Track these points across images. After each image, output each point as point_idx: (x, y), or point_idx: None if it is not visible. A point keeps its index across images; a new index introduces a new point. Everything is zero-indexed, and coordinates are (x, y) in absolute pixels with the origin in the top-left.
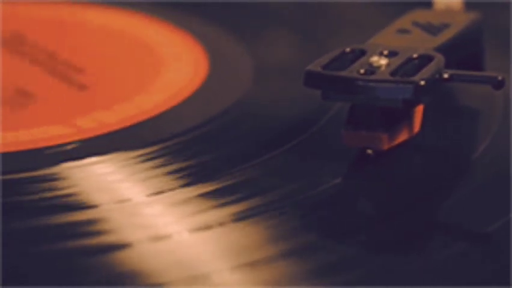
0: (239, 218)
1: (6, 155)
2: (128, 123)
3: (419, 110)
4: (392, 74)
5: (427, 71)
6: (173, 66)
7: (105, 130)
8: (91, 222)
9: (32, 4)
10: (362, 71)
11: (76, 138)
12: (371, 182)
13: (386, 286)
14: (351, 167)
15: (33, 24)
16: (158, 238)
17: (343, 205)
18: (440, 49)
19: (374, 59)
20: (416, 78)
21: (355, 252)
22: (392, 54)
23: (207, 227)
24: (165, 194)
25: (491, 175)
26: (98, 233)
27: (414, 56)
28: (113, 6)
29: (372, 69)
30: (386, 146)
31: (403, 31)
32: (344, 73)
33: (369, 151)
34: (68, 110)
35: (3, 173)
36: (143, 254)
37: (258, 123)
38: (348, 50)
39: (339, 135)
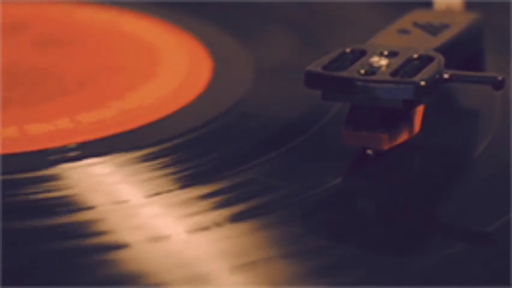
0: (237, 218)
1: (6, 156)
2: (127, 125)
3: (419, 110)
4: (393, 74)
5: (427, 71)
6: (173, 67)
7: (102, 132)
8: (89, 223)
9: (30, 3)
10: (362, 71)
11: (71, 138)
12: (371, 182)
13: (386, 286)
14: (351, 167)
15: (31, 21)
16: (156, 239)
17: (343, 205)
18: (440, 49)
19: (374, 59)
20: (416, 78)
21: (355, 252)
22: (392, 55)
23: (205, 228)
24: (163, 195)
25: (491, 175)
26: (97, 233)
27: (415, 56)
28: (113, 6)
29: (372, 70)
30: (386, 146)
31: (403, 31)
32: (344, 73)
33: (369, 151)
34: (63, 109)
35: (2, 174)
36: (142, 255)
37: (258, 123)
38: (348, 50)
39: (339, 135)
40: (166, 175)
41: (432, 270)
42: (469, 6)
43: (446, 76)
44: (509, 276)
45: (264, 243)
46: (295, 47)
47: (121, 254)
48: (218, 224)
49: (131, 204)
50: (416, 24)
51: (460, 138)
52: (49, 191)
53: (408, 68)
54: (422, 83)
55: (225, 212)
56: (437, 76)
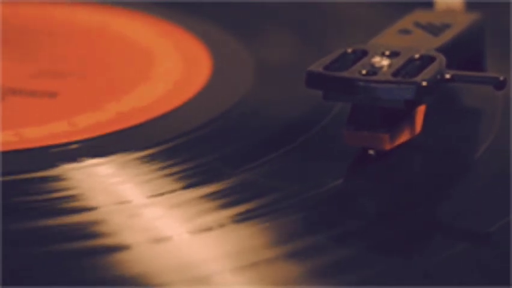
0: (240, 219)
1: (7, 155)
2: (128, 124)
3: (421, 110)
4: (394, 74)
5: (429, 71)
6: (173, 67)
7: (103, 131)
8: (91, 223)
9: (26, 4)
10: (363, 71)
11: (72, 138)
12: (372, 182)
13: (387, 286)
14: (352, 167)
15: (26, 23)
16: (158, 240)
17: (344, 205)
18: (441, 49)
19: (376, 59)
20: (418, 78)
21: (355, 252)
22: (393, 55)
23: (208, 229)
24: (166, 196)
25: (492, 175)
26: (99, 234)
27: (416, 56)
28: (113, 6)
29: (373, 70)
30: (387, 146)
31: (405, 31)
32: (345, 74)
33: (371, 151)
34: (63, 110)
35: (4, 174)
36: (144, 256)
37: (259, 123)
38: (349, 50)
39: (341, 136)
40: (168, 175)
41: (433, 270)
42: (469, 6)
43: (447, 76)
44: (509, 276)
45: (266, 244)
46: (296, 47)
47: (124, 255)
48: (221, 225)
49: (134, 204)
50: (417, 25)
51: (461, 138)
52: (51, 191)
53: (409, 68)
54: (424, 83)
55: (228, 213)
56: (439, 76)
